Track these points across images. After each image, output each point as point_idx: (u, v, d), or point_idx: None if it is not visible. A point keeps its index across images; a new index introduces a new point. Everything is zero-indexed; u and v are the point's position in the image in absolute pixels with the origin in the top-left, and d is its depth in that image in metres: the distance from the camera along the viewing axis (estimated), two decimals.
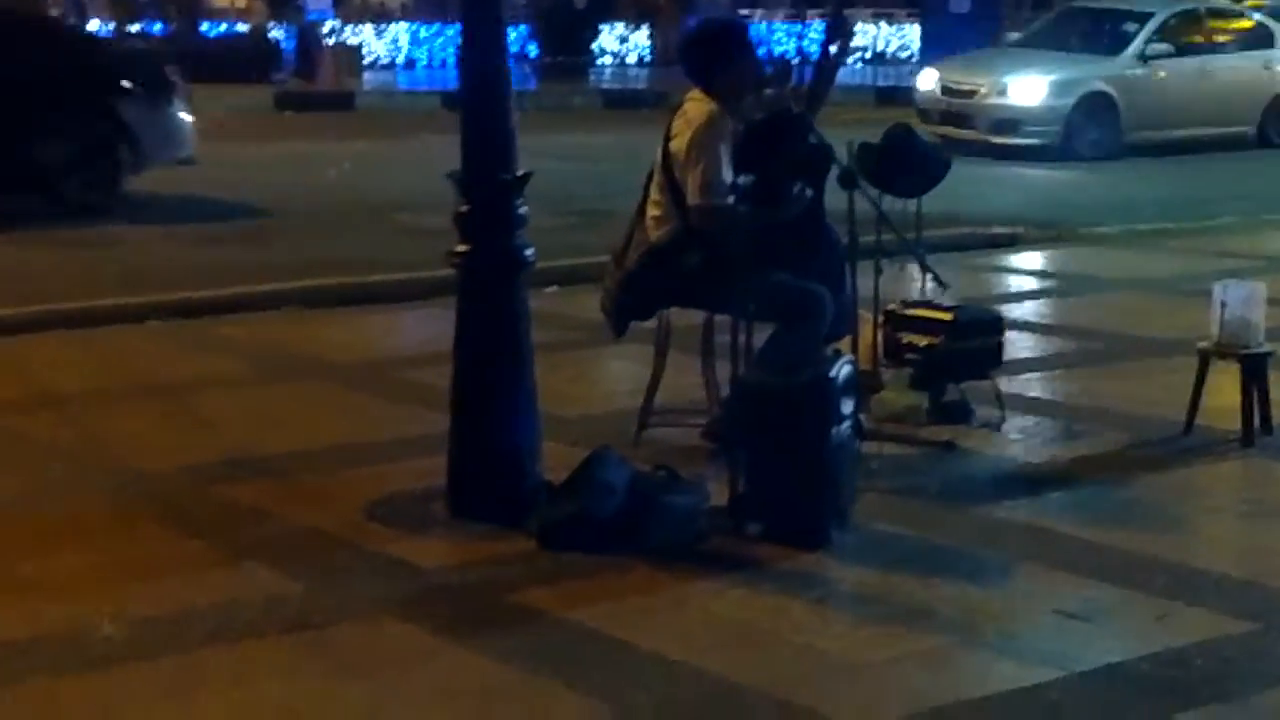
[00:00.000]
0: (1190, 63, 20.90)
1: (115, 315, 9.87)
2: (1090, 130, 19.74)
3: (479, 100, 6.16)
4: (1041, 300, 10.44)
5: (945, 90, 20.59)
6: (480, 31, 6.15)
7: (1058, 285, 11.44)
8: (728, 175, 6.86)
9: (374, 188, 15.86)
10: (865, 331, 7.54)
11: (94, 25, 30.49)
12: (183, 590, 5.48)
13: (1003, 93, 19.95)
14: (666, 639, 5.11)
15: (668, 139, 7.00)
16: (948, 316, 7.61)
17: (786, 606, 5.44)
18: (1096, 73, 20.28)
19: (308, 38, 28.59)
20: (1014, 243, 13.26)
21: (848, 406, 6.10)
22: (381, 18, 34.53)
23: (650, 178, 7.13)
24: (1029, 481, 6.82)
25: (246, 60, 27.77)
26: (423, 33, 34.51)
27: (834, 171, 7.12)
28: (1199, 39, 21.53)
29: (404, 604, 5.40)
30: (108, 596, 5.42)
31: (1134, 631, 5.24)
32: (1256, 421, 7.31)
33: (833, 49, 7.34)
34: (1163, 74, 20.55)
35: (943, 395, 7.64)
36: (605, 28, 35.34)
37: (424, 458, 6.90)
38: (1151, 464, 7.07)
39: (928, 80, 21.15)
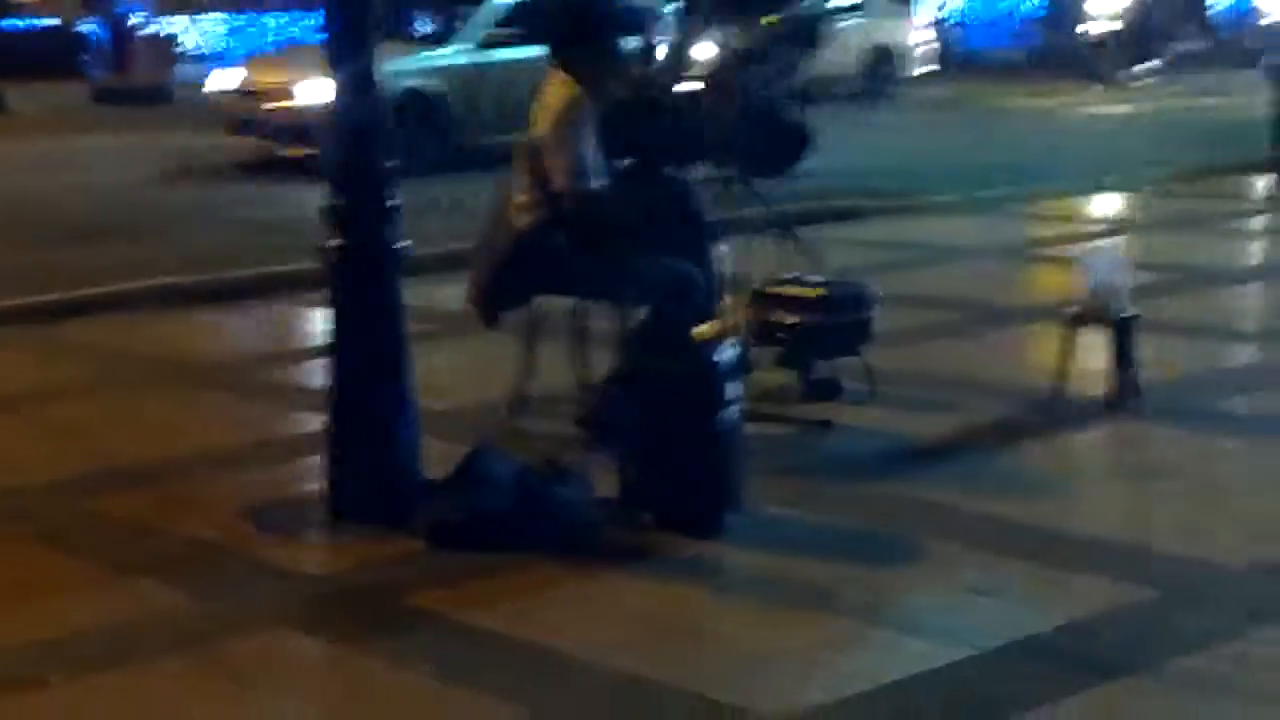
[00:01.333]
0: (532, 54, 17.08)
1: None
2: (404, 138, 17.43)
3: (349, 91, 5.99)
4: (896, 271, 10.43)
5: (244, 92, 16.62)
6: (344, 18, 5.98)
7: (908, 256, 11.47)
8: (592, 158, 6.77)
9: (206, 181, 15.52)
10: (733, 310, 7.50)
11: None
12: (69, 611, 5.27)
13: (290, 94, 15.86)
14: (572, 637, 5.01)
15: (530, 124, 6.90)
16: (816, 293, 7.58)
17: (689, 596, 5.38)
18: (414, 67, 15.94)
19: (121, 30, 27.98)
20: (857, 215, 13.28)
21: (734, 390, 6.04)
22: (193, 8, 33.91)
23: (512, 164, 7.02)
24: (910, 455, 6.81)
25: (56, 54, 27.11)
26: (237, 22, 34.00)
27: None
28: None
29: (297, 613, 5.26)
30: None
31: (1038, 604, 5.24)
32: (1124, 386, 7.38)
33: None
34: (508, 66, 15.60)
35: (811, 372, 7.62)
36: None
37: (294, 459, 6.78)
38: (1027, 432, 7.10)
39: (226, 79, 17.21)
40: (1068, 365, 7.43)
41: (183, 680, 4.80)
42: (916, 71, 24.65)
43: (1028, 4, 41.75)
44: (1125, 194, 14.40)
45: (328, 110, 6.06)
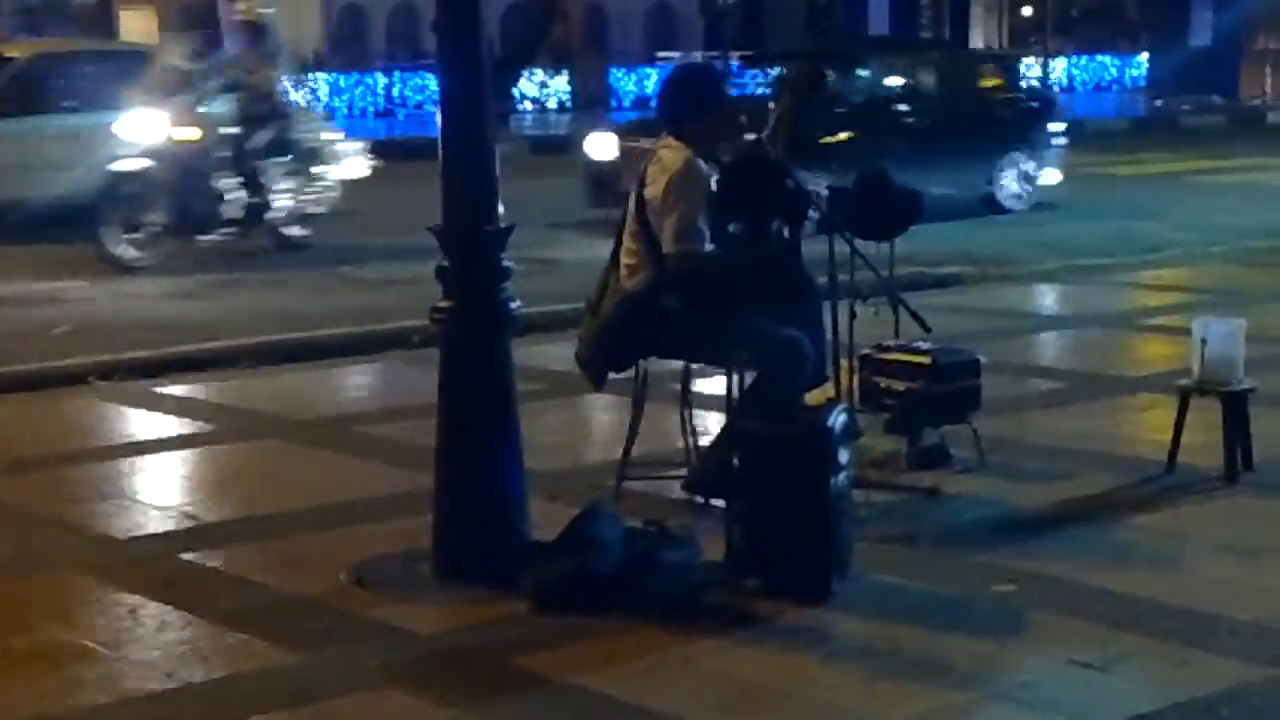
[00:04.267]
0: None
1: (64, 377, 9.64)
2: None
3: (460, 150, 6.00)
4: (999, 340, 10.35)
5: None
6: (460, 78, 6.00)
7: (1011, 324, 11.38)
8: (704, 222, 6.77)
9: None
10: (841, 377, 7.45)
11: None
12: (176, 664, 5.28)
13: None
14: (682, 701, 4.97)
15: (641, 185, 6.91)
16: (926, 360, 7.52)
17: (798, 663, 5.31)
18: None
19: None
20: (958, 282, 13.20)
21: (845, 455, 5.99)
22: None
23: (623, 225, 7.03)
24: (1020, 526, 6.72)
25: None
26: (342, 82, 34.39)
27: (812, 217, 7.07)
28: None
29: (406, 673, 5.22)
30: (102, 672, 5.23)
31: (1156, 681, 5.13)
32: (1238, 459, 7.27)
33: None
34: None
35: (919, 440, 7.55)
36: (525, 74, 35.26)
37: (400, 517, 6.78)
38: (1139, 504, 7.00)
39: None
40: (1179, 437, 7.33)
41: None
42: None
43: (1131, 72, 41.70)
44: (1233, 264, 14.22)
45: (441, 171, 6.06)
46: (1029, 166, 18.73)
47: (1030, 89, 19.32)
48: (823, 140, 16.21)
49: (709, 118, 6.87)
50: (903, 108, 18.45)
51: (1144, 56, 40.89)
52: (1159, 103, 35.59)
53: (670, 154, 6.85)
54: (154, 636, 5.57)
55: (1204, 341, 7.25)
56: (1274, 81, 36.55)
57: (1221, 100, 34.94)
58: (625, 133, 17.76)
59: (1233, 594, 5.89)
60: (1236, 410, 7.27)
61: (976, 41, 38.10)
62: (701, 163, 6.81)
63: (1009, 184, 18.56)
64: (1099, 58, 43.93)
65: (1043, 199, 18.54)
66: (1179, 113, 33.27)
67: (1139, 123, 32.26)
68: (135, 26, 36.77)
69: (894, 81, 18.98)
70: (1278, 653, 5.33)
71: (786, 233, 7.09)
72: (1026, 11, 45.95)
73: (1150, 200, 18.90)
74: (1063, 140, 19.37)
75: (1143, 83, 40.08)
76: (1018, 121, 19.05)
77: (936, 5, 38.64)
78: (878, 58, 19.79)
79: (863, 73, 19.00)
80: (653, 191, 6.80)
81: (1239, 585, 6.02)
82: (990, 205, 18.28)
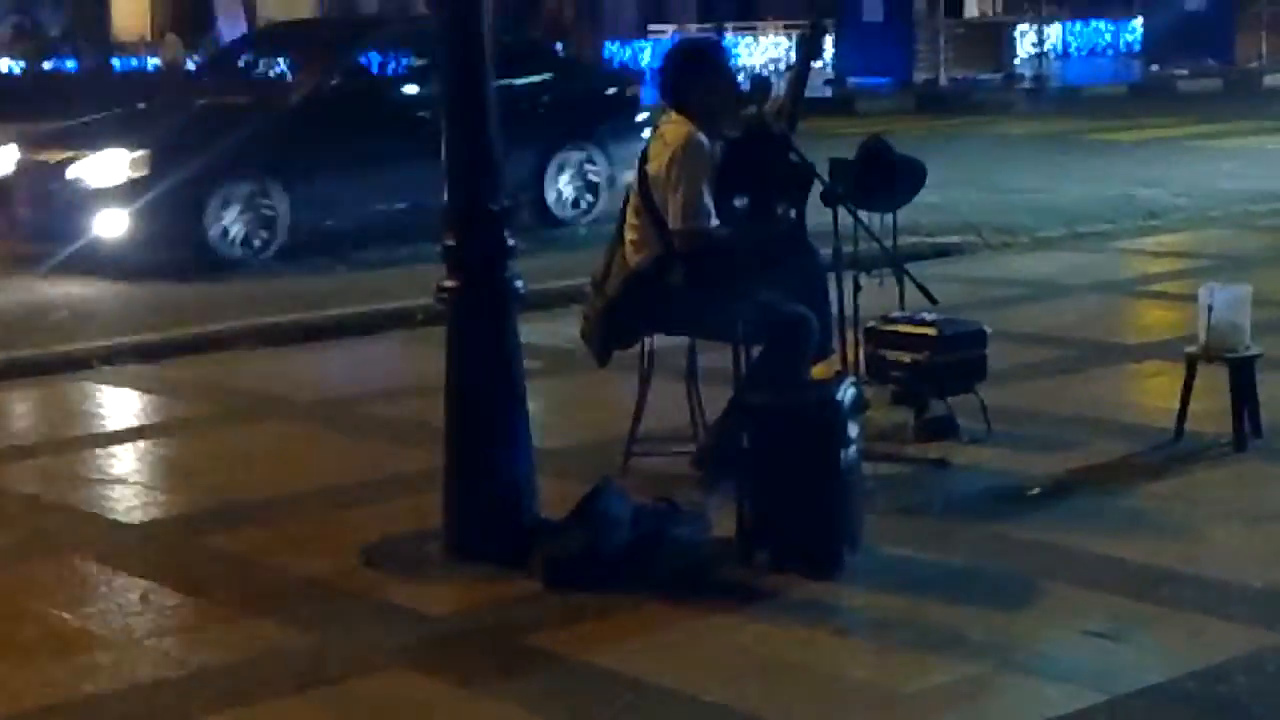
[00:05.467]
0: None
1: (67, 362, 9.61)
2: None
3: (463, 130, 5.99)
4: (1004, 308, 10.32)
5: None
6: (462, 58, 5.98)
7: (1015, 293, 11.34)
8: (708, 197, 6.75)
9: None
10: (847, 349, 7.43)
11: (3, 64, 30.10)
12: (188, 649, 5.28)
13: None
14: (694, 677, 4.96)
15: (644, 162, 6.89)
16: (932, 331, 7.50)
17: (810, 637, 5.30)
18: None
19: None
20: (959, 251, 13.17)
21: (854, 429, 5.97)
22: None
23: (626, 201, 7.01)
24: (1029, 495, 6.71)
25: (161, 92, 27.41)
26: None
27: (815, 188, 7.05)
28: None
29: (419, 653, 5.22)
30: (112, 659, 5.22)
31: (1168, 649, 5.14)
32: (1246, 425, 7.26)
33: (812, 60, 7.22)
34: None
35: (926, 411, 7.53)
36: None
37: (408, 497, 6.77)
38: (1149, 472, 6.99)
39: None
40: (1187, 404, 7.32)
41: None
42: None
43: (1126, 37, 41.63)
44: (1235, 229, 14.19)
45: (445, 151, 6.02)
46: (595, 168, 14.91)
47: (608, 72, 14.86)
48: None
49: (708, 91, 6.84)
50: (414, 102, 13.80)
51: (1139, 21, 40.72)
52: (1155, 67, 35.41)
53: (673, 129, 6.83)
54: (164, 622, 5.57)
55: (1210, 308, 7.23)
56: (1270, 44, 36.38)
57: (1217, 64, 34.76)
58: (33, 141, 13.99)
59: (1245, 560, 5.89)
60: (1244, 376, 7.25)
61: (971, 10, 37.76)
62: (704, 137, 6.79)
63: (565, 189, 14.76)
64: (1093, 23, 43.81)
65: None
66: (1175, 77, 33.14)
67: (1135, 88, 32.15)
68: None
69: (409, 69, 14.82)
70: None
71: (790, 208, 7.06)
72: None
73: (1150, 166, 18.82)
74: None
75: (1138, 47, 39.90)
76: (583, 112, 15.16)
77: None
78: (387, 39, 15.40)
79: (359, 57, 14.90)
80: (655, 167, 6.79)
81: (1251, 551, 6.02)
82: (542, 214, 14.54)
